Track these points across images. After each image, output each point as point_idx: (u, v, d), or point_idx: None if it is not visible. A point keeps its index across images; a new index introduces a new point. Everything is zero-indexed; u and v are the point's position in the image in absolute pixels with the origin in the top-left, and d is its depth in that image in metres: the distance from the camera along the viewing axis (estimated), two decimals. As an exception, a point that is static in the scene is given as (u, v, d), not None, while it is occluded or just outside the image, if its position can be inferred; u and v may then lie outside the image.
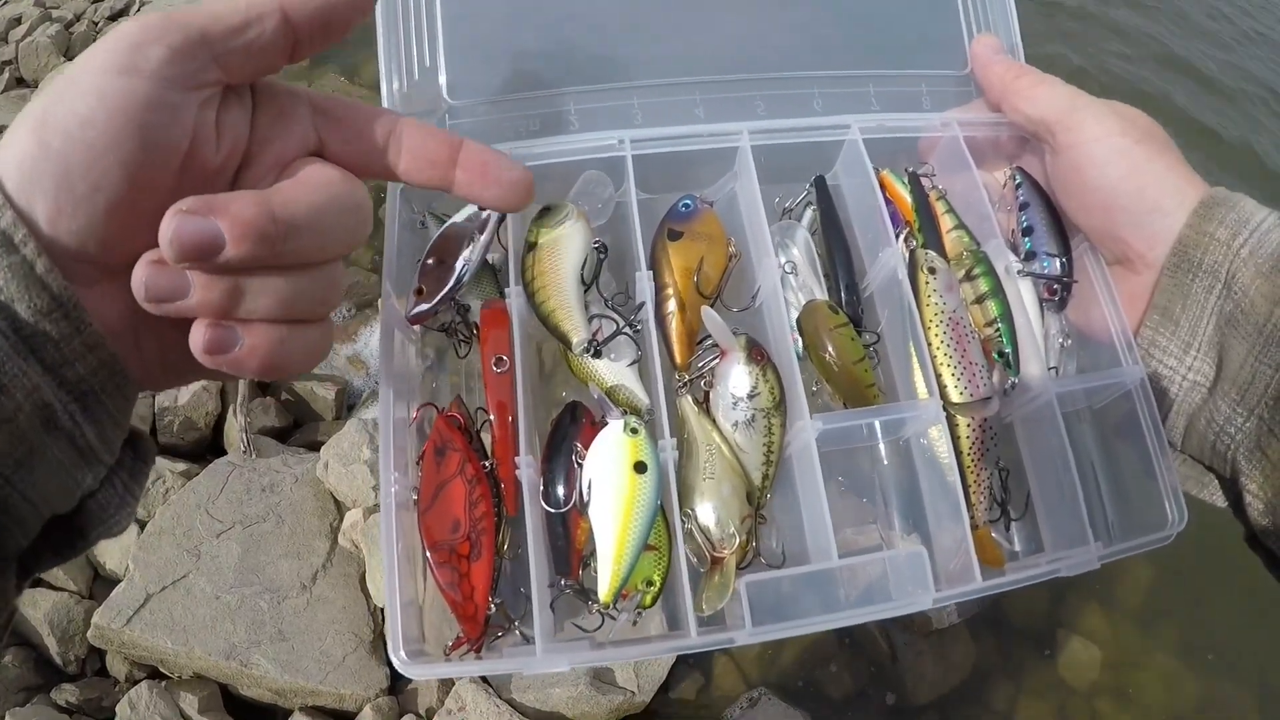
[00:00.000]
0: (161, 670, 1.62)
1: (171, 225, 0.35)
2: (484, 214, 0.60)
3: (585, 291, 0.59)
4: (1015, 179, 0.65)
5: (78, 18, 2.75)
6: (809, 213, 0.65)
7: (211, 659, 1.55)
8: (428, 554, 0.55)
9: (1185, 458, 0.60)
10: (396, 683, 1.62)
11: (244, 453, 1.82)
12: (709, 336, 0.59)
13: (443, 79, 0.62)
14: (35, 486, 0.37)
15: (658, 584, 0.55)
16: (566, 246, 0.58)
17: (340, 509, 1.77)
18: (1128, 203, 0.59)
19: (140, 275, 0.36)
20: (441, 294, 0.59)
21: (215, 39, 0.40)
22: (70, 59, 2.43)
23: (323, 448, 1.79)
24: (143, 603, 1.56)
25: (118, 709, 1.51)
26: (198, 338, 0.38)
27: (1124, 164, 0.58)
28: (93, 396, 0.38)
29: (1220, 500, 0.60)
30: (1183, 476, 0.60)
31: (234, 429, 1.86)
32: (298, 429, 1.98)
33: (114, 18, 2.68)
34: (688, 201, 0.61)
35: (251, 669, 1.56)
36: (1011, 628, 1.45)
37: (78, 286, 0.37)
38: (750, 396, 0.56)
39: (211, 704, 1.57)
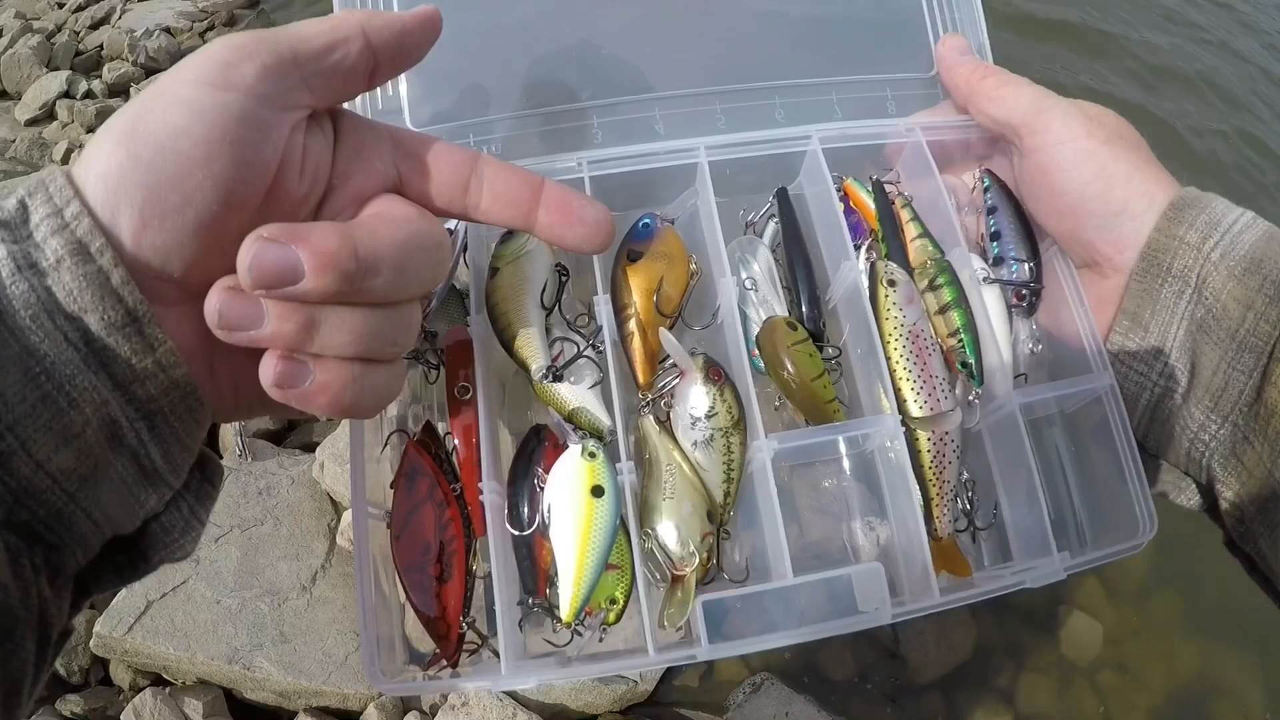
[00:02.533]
0: (165, 677, 1.70)
1: (251, 251, 0.36)
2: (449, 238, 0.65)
3: (548, 315, 0.63)
4: (983, 182, 0.69)
5: (59, 28, 2.81)
6: (771, 225, 0.68)
7: (214, 664, 1.62)
8: (401, 577, 0.60)
9: (1160, 462, 0.63)
10: (400, 682, 1.69)
11: (240, 456, 1.89)
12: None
13: (404, 103, 0.66)
14: (99, 504, 0.38)
15: (621, 601, 0.60)
16: (527, 271, 0.62)
17: (337, 509, 1.84)
18: (1094, 206, 0.61)
19: (214, 300, 0.37)
20: (409, 320, 0.64)
21: (304, 60, 0.41)
22: (53, 70, 2.49)
23: (318, 448, 1.86)
24: (143, 610, 1.64)
25: (122, 717, 1.59)
26: (268, 370, 0.38)
27: (1091, 166, 0.61)
28: (161, 417, 0.39)
29: (1196, 505, 0.63)
30: (1155, 481, 0.63)
31: (229, 433, 1.93)
32: (292, 430, 2.05)
33: (95, 26, 2.74)
34: (647, 221, 0.65)
35: (254, 672, 1.63)
36: (1012, 606, 1.50)
37: (156, 305, 0.38)
38: (708, 416, 0.60)
39: (216, 709, 1.65)
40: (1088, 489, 0.67)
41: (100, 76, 2.47)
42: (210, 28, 2.76)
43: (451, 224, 0.64)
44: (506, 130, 0.66)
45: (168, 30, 2.65)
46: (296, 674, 1.63)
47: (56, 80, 2.45)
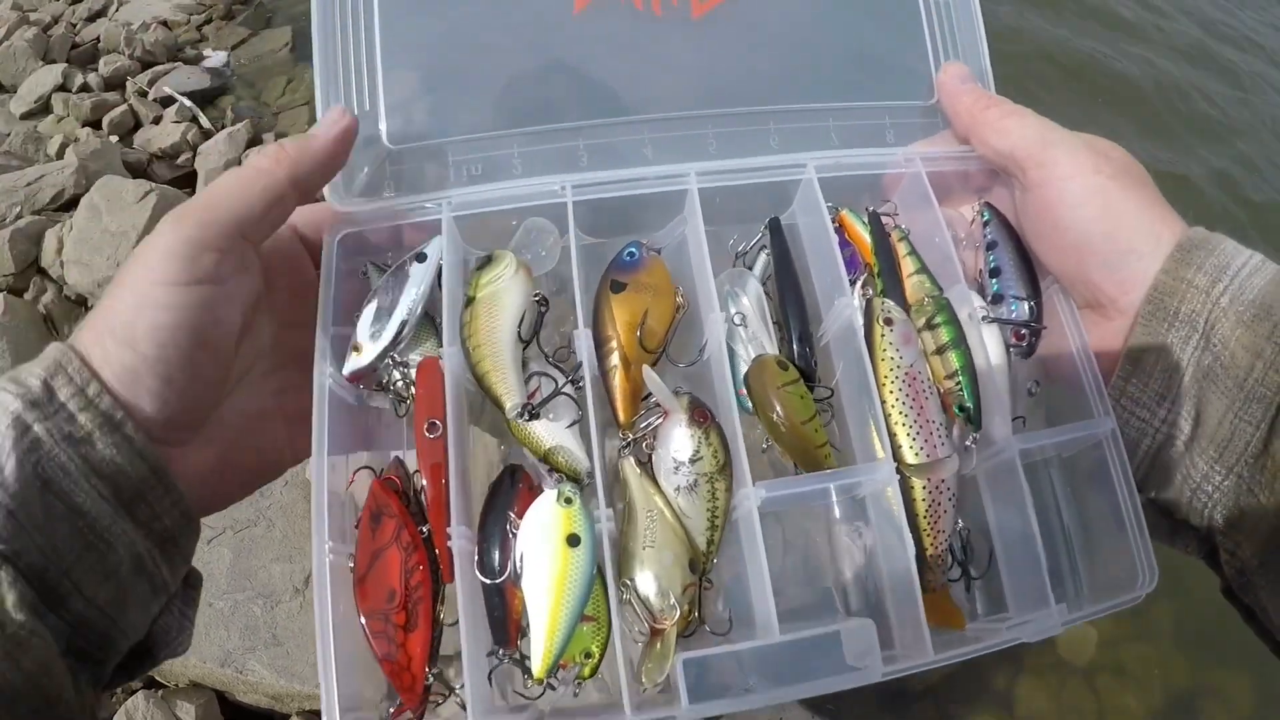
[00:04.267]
0: (157, 679, 1.67)
1: None
2: (423, 264, 0.60)
3: (525, 348, 0.59)
4: (983, 216, 0.65)
5: (55, 21, 2.76)
6: (763, 257, 0.64)
7: (207, 666, 1.60)
8: (363, 623, 0.56)
9: (1157, 508, 0.60)
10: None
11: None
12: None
13: (383, 125, 0.62)
14: (130, 623, 0.46)
15: (596, 655, 0.56)
16: (504, 301, 0.58)
17: (332, 510, 1.81)
18: (1099, 245, 0.58)
19: None
20: (379, 350, 0.59)
21: (250, 230, 0.51)
22: (48, 63, 2.43)
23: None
24: (132, 615, 1.60)
25: None
26: None
27: (1096, 203, 0.57)
28: (171, 542, 0.47)
29: (1193, 552, 0.60)
30: (1153, 525, 0.60)
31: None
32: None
33: (92, 19, 2.68)
34: (632, 250, 0.61)
35: (247, 675, 1.60)
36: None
37: (174, 448, 0.49)
38: (692, 461, 0.56)
39: (209, 711, 1.62)
40: (1086, 537, 0.64)
41: (96, 70, 2.42)
42: (207, 20, 2.71)
43: (426, 248, 0.60)
44: (486, 150, 0.62)
45: (164, 23, 2.59)
46: (289, 677, 1.61)
47: (52, 73, 2.40)
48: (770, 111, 0.64)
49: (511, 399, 0.56)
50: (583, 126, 0.63)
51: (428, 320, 0.62)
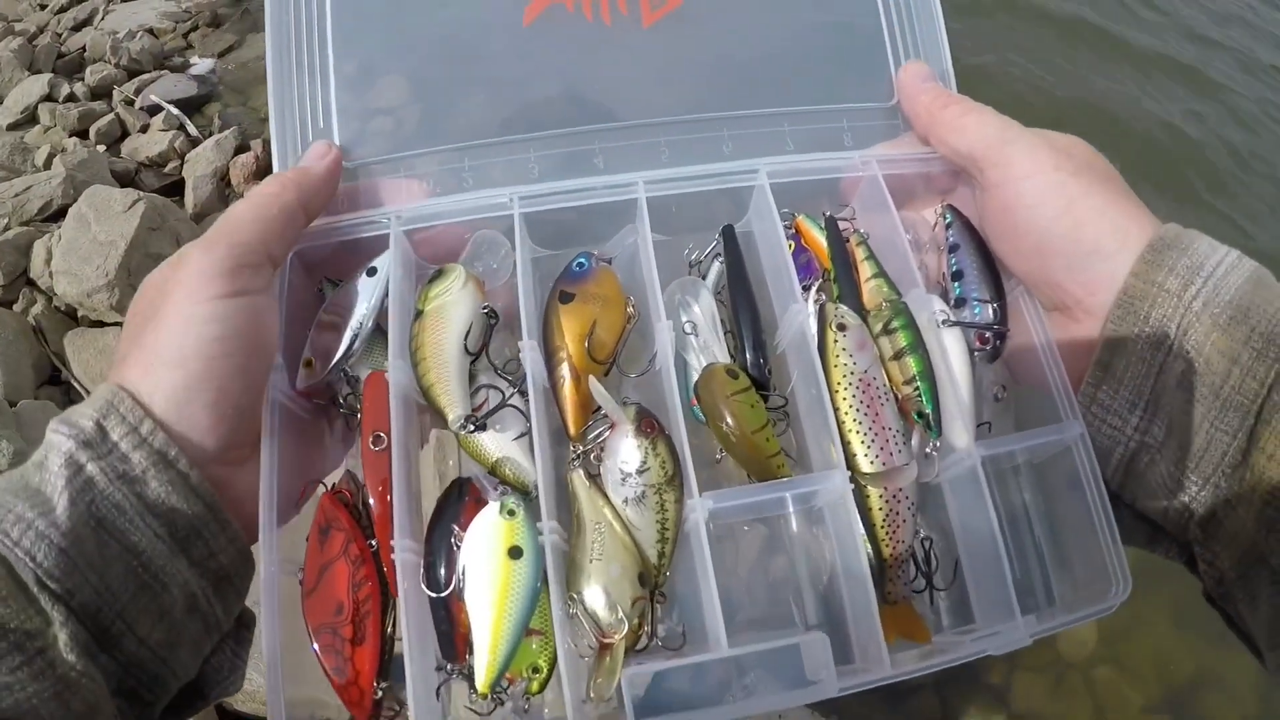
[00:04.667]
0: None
1: None
2: (373, 278, 0.60)
3: (474, 360, 0.59)
4: (945, 218, 0.63)
5: (41, 30, 2.77)
6: (717, 265, 0.63)
7: (203, 675, 1.60)
8: (311, 637, 0.55)
9: (1134, 513, 0.57)
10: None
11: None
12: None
13: (336, 138, 0.62)
14: (180, 663, 0.45)
15: (545, 670, 0.55)
16: (451, 314, 0.58)
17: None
18: (1062, 245, 0.56)
19: None
20: (331, 365, 0.59)
21: (273, 246, 0.52)
22: (35, 73, 2.45)
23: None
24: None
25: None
26: None
27: (1058, 202, 0.55)
28: (226, 580, 0.47)
29: (1174, 558, 0.57)
30: (1130, 531, 0.57)
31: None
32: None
33: (77, 28, 2.70)
34: (582, 260, 0.60)
35: (245, 684, 1.60)
36: None
37: (234, 466, 0.50)
38: (639, 472, 0.55)
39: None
40: (1056, 544, 0.62)
41: (83, 79, 2.43)
42: (194, 28, 2.72)
43: (377, 262, 0.60)
44: (438, 164, 0.62)
45: (151, 31, 2.60)
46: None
47: (39, 83, 2.40)
48: (724, 118, 0.64)
49: (454, 411, 0.56)
50: (534, 138, 0.62)
51: (380, 334, 0.62)
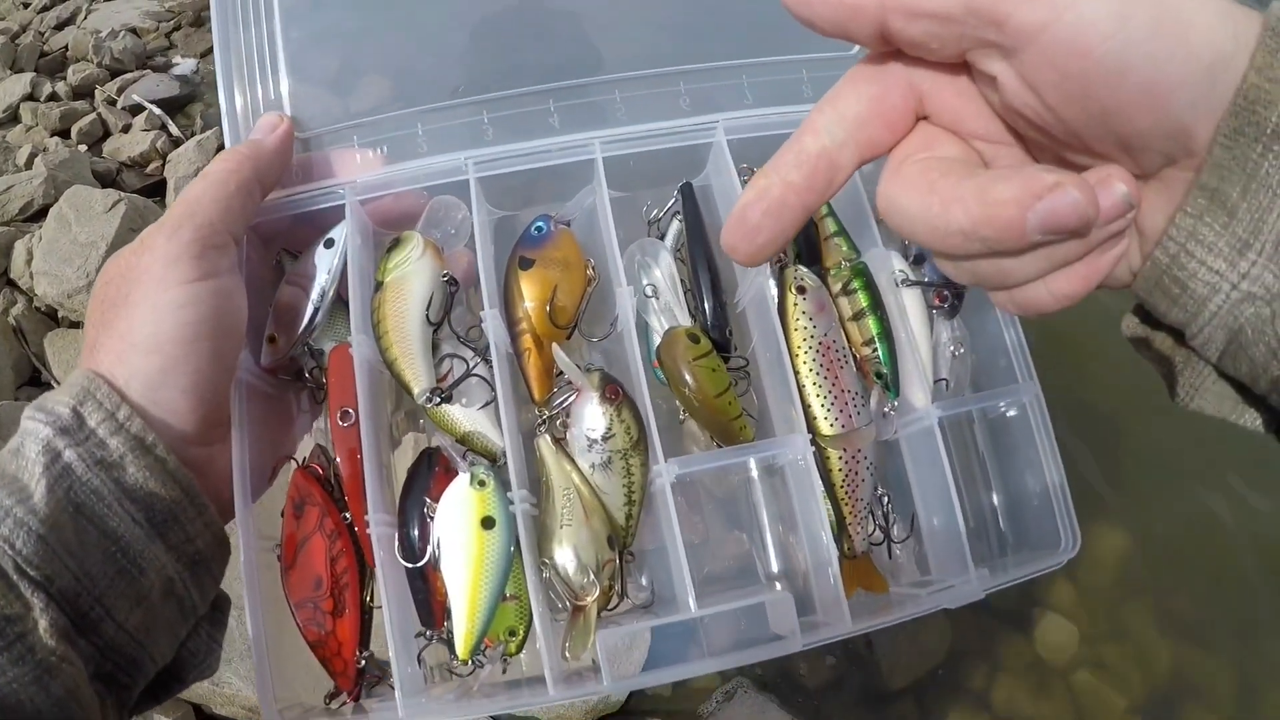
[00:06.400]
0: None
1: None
2: (330, 250, 0.59)
3: (436, 330, 0.58)
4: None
5: (23, 29, 2.65)
6: (675, 223, 0.62)
7: (185, 680, 1.61)
8: (293, 612, 0.56)
9: (1218, 376, 0.43)
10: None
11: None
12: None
13: (287, 110, 0.60)
14: (157, 646, 0.46)
15: (521, 633, 0.57)
16: (411, 285, 0.57)
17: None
18: (1175, 70, 0.31)
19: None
20: (294, 339, 0.58)
21: (233, 224, 0.52)
22: (16, 72, 2.36)
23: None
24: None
25: (90, 736, 1.58)
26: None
27: (1146, 10, 0.33)
28: (203, 564, 0.47)
29: (1260, 428, 0.44)
30: (1214, 395, 0.42)
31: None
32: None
33: (60, 27, 2.58)
34: (540, 224, 0.59)
35: (223, 687, 1.58)
36: (987, 608, 1.47)
37: (213, 446, 0.50)
38: (605, 438, 0.56)
39: (186, 725, 1.62)
40: (1011, 501, 0.64)
41: (65, 78, 2.34)
42: (176, 28, 2.60)
43: (334, 233, 0.59)
44: (390, 131, 0.60)
45: (133, 31, 2.49)
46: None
47: (20, 82, 2.32)
48: (680, 72, 0.62)
49: (419, 384, 0.56)
50: (487, 99, 0.61)
51: (342, 305, 0.61)
